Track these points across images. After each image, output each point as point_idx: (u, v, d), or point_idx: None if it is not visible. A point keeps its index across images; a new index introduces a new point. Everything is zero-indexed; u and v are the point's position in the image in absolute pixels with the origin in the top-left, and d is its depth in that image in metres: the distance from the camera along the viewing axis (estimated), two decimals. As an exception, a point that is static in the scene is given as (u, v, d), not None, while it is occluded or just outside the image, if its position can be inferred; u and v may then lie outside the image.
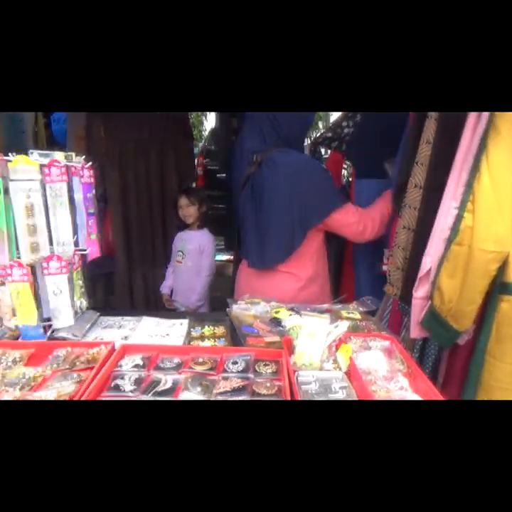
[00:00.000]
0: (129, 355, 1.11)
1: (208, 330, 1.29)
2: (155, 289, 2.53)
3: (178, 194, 2.37)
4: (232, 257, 4.03)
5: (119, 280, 2.57)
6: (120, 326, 1.31)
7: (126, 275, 2.56)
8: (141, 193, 2.49)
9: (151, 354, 1.11)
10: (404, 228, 1.54)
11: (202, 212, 2.39)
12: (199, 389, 0.97)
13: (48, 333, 1.16)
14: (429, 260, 1.27)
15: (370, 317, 1.37)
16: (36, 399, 0.91)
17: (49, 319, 1.16)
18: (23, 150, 3.44)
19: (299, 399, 0.91)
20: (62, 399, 0.91)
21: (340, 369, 1.05)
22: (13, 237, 1.07)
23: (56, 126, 4.62)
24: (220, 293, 2.98)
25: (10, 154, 1.10)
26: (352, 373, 1.02)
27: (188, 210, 2.34)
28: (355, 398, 0.93)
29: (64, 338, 1.17)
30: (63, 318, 1.16)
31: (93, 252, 1.21)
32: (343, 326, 1.12)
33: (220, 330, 1.30)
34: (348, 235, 1.57)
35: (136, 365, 1.06)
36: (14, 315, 1.14)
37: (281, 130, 1.49)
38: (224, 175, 4.64)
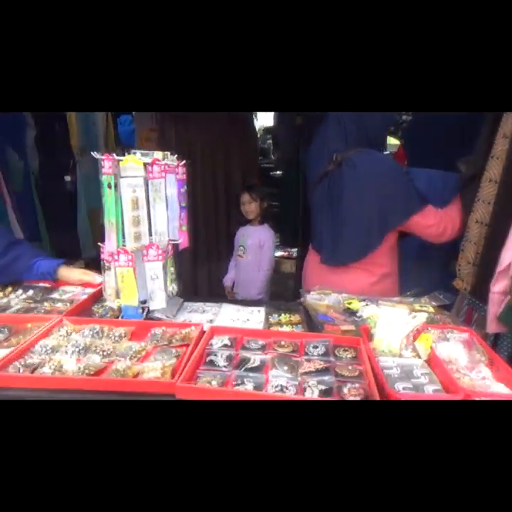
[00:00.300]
0: (217, 336, 1.21)
1: (284, 317, 1.37)
2: (218, 282, 2.66)
3: (241, 191, 2.48)
4: (286, 253, 4.11)
5: (185, 273, 2.73)
6: (203, 311, 1.43)
7: (192, 268, 2.71)
8: (207, 191, 2.63)
9: (236, 336, 1.21)
10: (477, 223, 1.53)
11: (263, 208, 2.48)
12: (286, 368, 1.05)
13: (144, 314, 1.29)
14: (508, 255, 1.26)
15: (445, 311, 1.38)
16: (145, 367, 1.04)
17: (145, 301, 1.30)
18: (95, 150, 3.69)
19: (384, 381, 0.96)
20: (166, 370, 1.03)
21: (419, 357, 1.09)
22: (120, 227, 1.21)
23: (121, 128, 4.92)
24: (274, 288, 3.06)
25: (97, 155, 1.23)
26: (433, 361, 1.05)
27: (250, 206, 2.45)
28: (438, 384, 0.97)
29: (159, 319, 1.31)
30: (158, 301, 1.29)
31: (184, 242, 1.34)
32: (422, 316, 1.15)
33: (296, 317, 1.37)
34: (426, 237, 1.56)
35: (225, 345, 1.17)
36: (117, 297, 1.28)
37: (365, 130, 1.51)
38: (277, 172, 4.73)
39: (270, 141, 4.95)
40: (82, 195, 3.51)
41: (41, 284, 1.56)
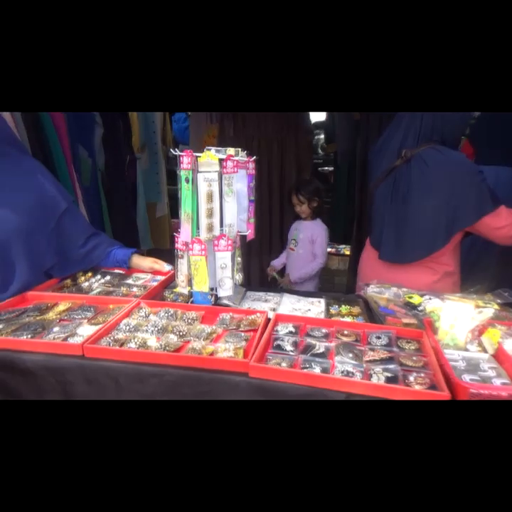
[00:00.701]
0: (282, 323, 1.28)
1: (344, 308, 1.41)
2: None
3: (291, 193, 2.51)
4: (334, 250, 4.11)
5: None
6: (265, 300, 1.50)
7: (246, 260, 2.80)
8: (263, 186, 2.71)
9: (300, 324, 1.28)
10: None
11: (313, 207, 2.51)
12: (350, 355, 1.10)
13: (213, 300, 1.39)
14: None
15: (510, 308, 1.36)
16: (218, 347, 1.12)
17: (213, 289, 1.39)
18: (154, 147, 3.83)
19: (451, 372, 0.98)
20: (238, 351, 1.11)
21: (485, 352, 1.10)
22: (195, 218, 1.31)
23: (175, 126, 5.13)
24: (321, 285, 3.09)
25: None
26: (501, 356, 1.06)
27: (301, 207, 2.49)
28: (506, 377, 0.98)
29: (226, 305, 1.40)
30: (226, 289, 1.37)
31: (250, 234, 1.41)
32: (488, 312, 1.15)
33: (356, 309, 1.41)
34: (495, 238, 1.50)
35: (290, 332, 1.23)
36: (188, 283, 1.39)
37: (441, 129, 1.49)
38: (325, 168, 4.73)
39: (318, 137, 4.94)
40: (142, 190, 3.71)
41: (116, 271, 1.71)
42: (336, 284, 3.89)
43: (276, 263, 2.63)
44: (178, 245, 1.37)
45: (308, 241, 2.52)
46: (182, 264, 1.38)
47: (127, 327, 1.23)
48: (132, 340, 1.15)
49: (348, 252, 3.69)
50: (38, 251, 1.50)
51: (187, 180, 1.28)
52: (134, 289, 1.54)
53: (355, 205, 2.75)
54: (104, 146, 3.06)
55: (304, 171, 2.82)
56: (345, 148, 2.96)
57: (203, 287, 1.33)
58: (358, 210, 2.68)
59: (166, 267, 1.67)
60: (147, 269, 1.68)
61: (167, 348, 1.13)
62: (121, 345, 1.14)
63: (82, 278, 1.64)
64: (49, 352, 1.13)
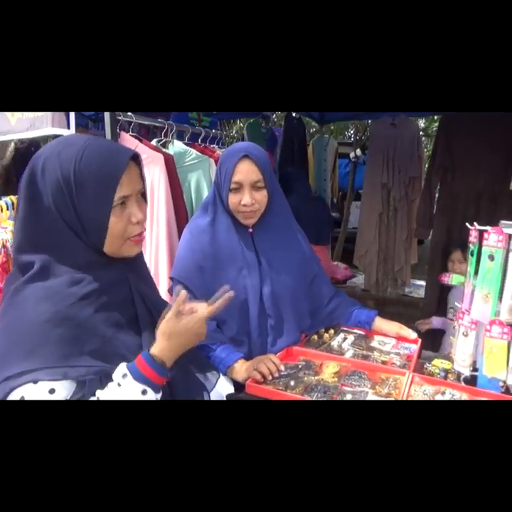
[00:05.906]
0: None
1: None
2: None
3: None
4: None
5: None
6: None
7: None
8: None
9: None
10: None
11: None
12: None
13: (504, 388, 1.27)
14: None
15: None
16: None
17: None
18: (323, 193, 3.88)
19: None
20: None
21: None
22: (496, 298, 1.23)
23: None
24: None
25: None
26: None
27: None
28: None
29: (519, 396, 1.26)
30: (518, 377, 1.24)
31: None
32: None
33: None
34: None
35: None
36: (471, 364, 1.29)
37: None
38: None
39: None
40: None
41: (355, 331, 1.70)
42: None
43: None
44: (464, 322, 1.29)
45: None
46: (466, 343, 1.30)
47: (422, 407, 1.17)
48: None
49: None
50: (301, 312, 1.57)
51: (491, 258, 1.21)
52: (391, 356, 1.50)
53: None
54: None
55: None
56: None
57: (497, 373, 1.22)
58: None
59: (412, 334, 1.61)
60: (392, 333, 1.64)
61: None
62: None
63: (326, 335, 1.66)
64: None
